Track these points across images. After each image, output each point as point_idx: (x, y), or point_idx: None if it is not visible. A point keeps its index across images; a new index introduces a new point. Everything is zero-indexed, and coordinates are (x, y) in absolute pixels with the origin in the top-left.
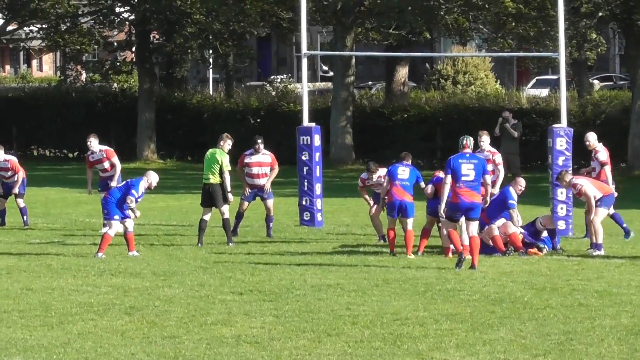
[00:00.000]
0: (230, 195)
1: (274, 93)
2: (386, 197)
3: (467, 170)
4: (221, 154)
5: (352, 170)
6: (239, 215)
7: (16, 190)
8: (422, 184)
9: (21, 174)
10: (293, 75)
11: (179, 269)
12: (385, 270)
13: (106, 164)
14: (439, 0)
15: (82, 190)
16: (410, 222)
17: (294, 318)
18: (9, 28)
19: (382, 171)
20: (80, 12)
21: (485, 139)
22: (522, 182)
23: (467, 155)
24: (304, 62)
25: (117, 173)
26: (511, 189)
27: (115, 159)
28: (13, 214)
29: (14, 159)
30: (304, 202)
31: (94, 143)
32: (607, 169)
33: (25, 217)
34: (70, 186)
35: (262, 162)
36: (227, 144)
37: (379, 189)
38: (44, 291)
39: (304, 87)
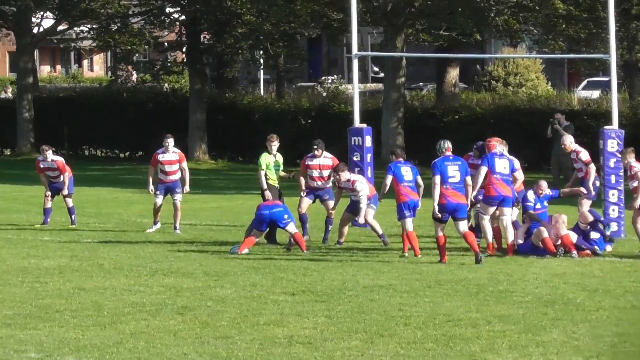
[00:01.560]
0: (266, 193)
1: (324, 94)
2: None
3: (453, 172)
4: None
5: None
6: (302, 217)
7: (65, 191)
8: (420, 181)
9: (68, 175)
10: (344, 76)
11: (231, 270)
12: (438, 271)
13: (176, 166)
14: (490, 1)
15: (134, 190)
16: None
17: (346, 319)
18: (60, 28)
19: (349, 175)
20: (130, 12)
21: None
22: (543, 185)
23: (451, 157)
24: (355, 63)
25: (186, 177)
26: (530, 192)
27: (185, 164)
28: (64, 213)
29: (61, 160)
30: None
31: (170, 143)
32: (592, 168)
33: (73, 216)
34: (121, 186)
35: (323, 164)
36: (273, 144)
37: (351, 193)
38: (97, 291)
39: (355, 88)
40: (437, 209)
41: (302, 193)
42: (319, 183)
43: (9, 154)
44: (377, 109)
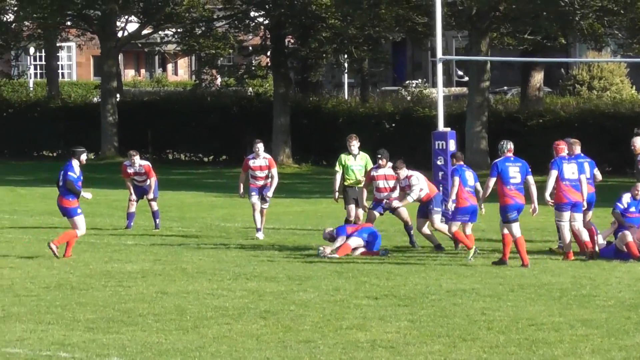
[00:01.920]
0: (335, 194)
1: (409, 98)
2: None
3: (514, 172)
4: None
5: (486, 175)
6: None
7: (151, 195)
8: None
9: (154, 179)
10: (428, 80)
11: (314, 274)
12: (520, 275)
13: (266, 172)
14: (574, 5)
15: (217, 194)
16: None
17: (429, 323)
18: (144, 32)
19: (407, 171)
20: (215, 17)
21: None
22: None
23: (512, 158)
24: (439, 67)
25: (274, 185)
26: (626, 194)
27: (275, 170)
28: (148, 217)
29: (148, 164)
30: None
31: (260, 148)
32: None
33: (157, 220)
34: (205, 190)
35: (389, 175)
36: (352, 145)
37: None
38: (179, 295)
39: (439, 92)
40: (483, 210)
41: (366, 205)
42: (384, 194)
43: (92, 157)
44: (461, 113)
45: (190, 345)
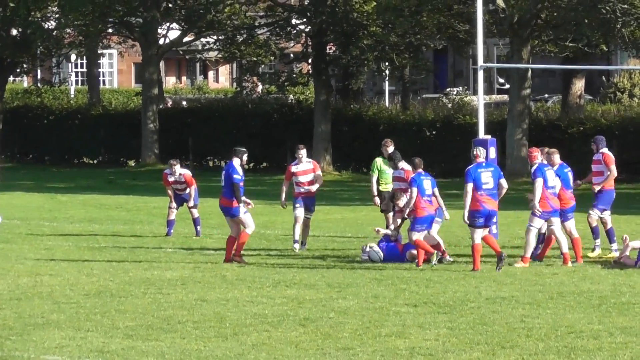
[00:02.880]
0: (375, 199)
1: (450, 105)
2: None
3: (487, 178)
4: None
5: (527, 182)
6: None
7: (191, 202)
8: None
9: (194, 187)
10: (469, 88)
11: (354, 281)
12: (560, 283)
13: (311, 176)
14: (616, 13)
15: (258, 201)
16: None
17: (468, 330)
18: (186, 39)
19: (404, 164)
20: (256, 24)
21: None
22: None
23: (484, 164)
24: (480, 75)
25: (319, 183)
26: None
27: (320, 172)
28: (188, 224)
29: (188, 173)
30: None
31: (304, 154)
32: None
33: (198, 227)
34: (246, 197)
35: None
36: (388, 149)
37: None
38: (219, 302)
39: (480, 100)
40: (466, 215)
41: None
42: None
43: (133, 164)
44: (502, 121)
45: (229, 352)
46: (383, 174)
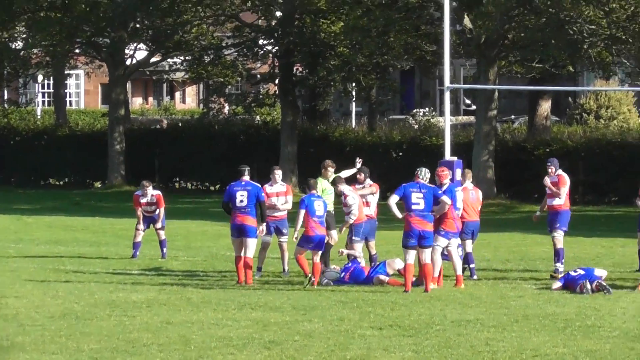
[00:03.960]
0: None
1: (416, 126)
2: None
3: (417, 199)
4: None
5: (493, 204)
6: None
7: (159, 224)
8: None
9: (163, 208)
10: (436, 109)
11: (319, 303)
12: (525, 305)
13: (283, 199)
14: (583, 34)
15: (224, 223)
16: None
17: (433, 354)
18: (153, 60)
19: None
20: (223, 44)
21: None
22: None
23: (419, 185)
24: (447, 96)
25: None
26: None
27: (291, 198)
28: (153, 246)
29: (159, 194)
30: None
31: (279, 175)
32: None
33: (164, 249)
34: (211, 219)
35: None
36: (328, 171)
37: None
38: (184, 325)
39: (447, 121)
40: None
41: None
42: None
43: (99, 186)
44: (469, 142)
45: None
46: (325, 193)
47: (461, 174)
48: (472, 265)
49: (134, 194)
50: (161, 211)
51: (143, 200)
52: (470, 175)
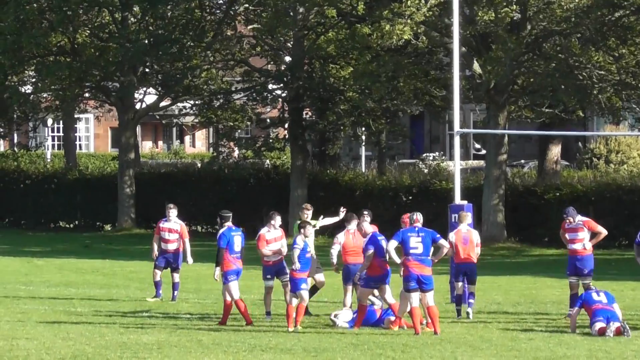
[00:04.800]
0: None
1: (426, 170)
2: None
3: (416, 243)
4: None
5: (503, 248)
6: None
7: (189, 259)
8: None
9: (187, 240)
10: (445, 153)
11: (330, 345)
12: (536, 348)
13: (279, 244)
14: (592, 79)
15: None
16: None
17: None
18: (163, 104)
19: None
20: (233, 89)
21: None
22: None
23: (417, 228)
24: (457, 140)
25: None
26: None
27: (285, 242)
28: (164, 289)
29: (183, 225)
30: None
31: (277, 221)
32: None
33: (176, 292)
34: None
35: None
36: (304, 214)
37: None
38: None
39: (456, 165)
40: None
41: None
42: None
43: (109, 229)
44: (478, 186)
45: None
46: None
47: (457, 217)
48: (457, 308)
49: (157, 223)
50: (186, 243)
51: (164, 225)
52: (468, 218)
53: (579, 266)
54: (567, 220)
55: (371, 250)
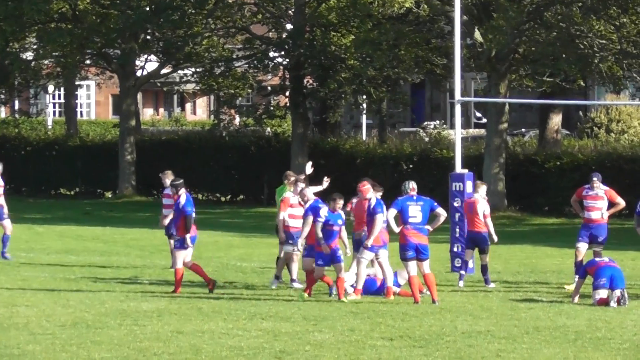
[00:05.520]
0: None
1: (427, 139)
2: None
3: (415, 212)
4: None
5: (504, 217)
6: None
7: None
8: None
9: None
10: (446, 122)
11: (330, 314)
12: (536, 317)
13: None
14: (594, 48)
15: (234, 233)
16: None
17: None
18: (164, 71)
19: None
20: (234, 57)
21: None
22: None
23: (414, 197)
24: (458, 109)
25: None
26: None
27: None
28: (164, 256)
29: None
30: (455, 249)
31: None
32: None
33: None
34: (222, 230)
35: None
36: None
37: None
38: (195, 334)
39: (457, 134)
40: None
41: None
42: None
43: (110, 196)
44: (479, 155)
45: None
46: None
47: (473, 186)
48: (462, 272)
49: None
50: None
51: (165, 192)
52: (484, 187)
53: (594, 233)
54: (592, 185)
55: (311, 218)
